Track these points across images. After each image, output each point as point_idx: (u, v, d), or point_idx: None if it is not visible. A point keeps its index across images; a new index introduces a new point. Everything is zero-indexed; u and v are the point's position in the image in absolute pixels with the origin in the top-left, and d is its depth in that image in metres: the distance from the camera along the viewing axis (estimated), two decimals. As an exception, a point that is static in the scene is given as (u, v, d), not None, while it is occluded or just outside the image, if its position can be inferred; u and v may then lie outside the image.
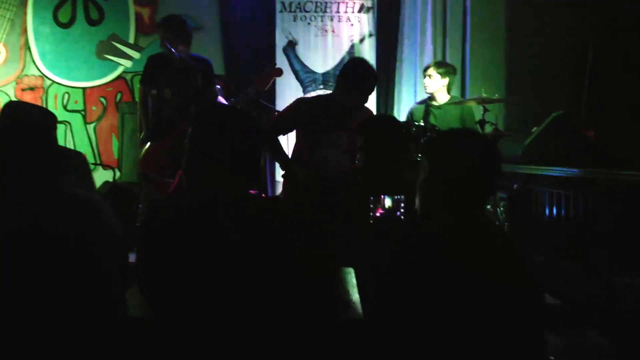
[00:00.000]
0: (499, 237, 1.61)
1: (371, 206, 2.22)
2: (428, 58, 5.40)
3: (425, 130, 3.85)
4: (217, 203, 1.59)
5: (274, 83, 5.57)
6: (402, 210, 2.19)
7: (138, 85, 4.44)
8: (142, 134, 4.19)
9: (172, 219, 1.65)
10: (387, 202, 2.20)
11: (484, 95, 4.34)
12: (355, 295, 1.97)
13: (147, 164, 3.95)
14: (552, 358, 2.29)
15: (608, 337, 2.64)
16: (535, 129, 4.83)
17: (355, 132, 3.15)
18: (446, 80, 4.59)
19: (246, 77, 5.21)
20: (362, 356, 1.62)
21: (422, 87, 4.75)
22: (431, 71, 4.59)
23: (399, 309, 1.53)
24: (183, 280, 1.59)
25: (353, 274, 2.28)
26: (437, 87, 4.58)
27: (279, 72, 3.89)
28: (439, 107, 4.58)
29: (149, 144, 4.01)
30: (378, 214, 2.19)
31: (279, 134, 3.72)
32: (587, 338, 2.70)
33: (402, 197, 2.19)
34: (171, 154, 3.86)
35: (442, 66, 4.64)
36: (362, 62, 3.61)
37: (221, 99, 4.13)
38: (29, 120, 1.75)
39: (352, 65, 3.55)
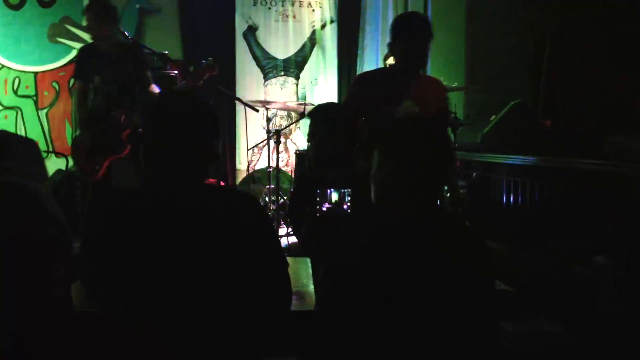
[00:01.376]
0: (452, 224, 1.60)
1: (317, 199, 2.19)
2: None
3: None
4: (171, 193, 1.56)
5: (233, 70, 5.48)
6: (348, 204, 2.17)
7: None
8: (78, 131, 3.95)
9: (118, 209, 1.60)
10: (334, 196, 2.17)
11: (444, 83, 4.35)
12: (310, 287, 1.94)
13: (76, 151, 3.80)
14: (505, 343, 2.32)
15: (564, 325, 2.68)
16: (493, 117, 4.88)
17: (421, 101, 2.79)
18: None
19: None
20: (315, 347, 1.60)
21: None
22: (392, 59, 4.57)
23: (350, 296, 1.52)
24: (130, 271, 1.54)
25: (309, 264, 2.26)
26: None
27: (214, 68, 3.69)
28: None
29: (80, 131, 3.83)
30: (325, 208, 2.17)
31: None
32: (542, 325, 2.74)
33: (348, 190, 2.17)
34: (98, 142, 3.72)
35: None
36: (410, 15, 3.11)
37: (154, 87, 3.94)
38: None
39: (399, 22, 3.00)
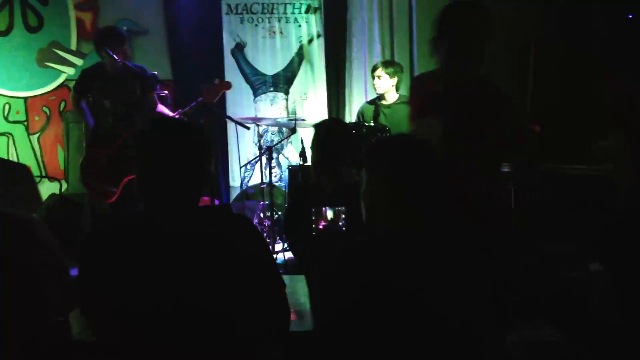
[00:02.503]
0: (444, 235, 1.62)
1: (313, 218, 2.21)
2: (376, 57, 5.42)
3: (376, 130, 3.87)
4: (166, 217, 1.58)
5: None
6: (343, 221, 2.19)
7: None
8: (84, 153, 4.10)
9: (116, 235, 1.61)
10: (329, 213, 2.19)
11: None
12: (306, 306, 1.95)
13: (89, 173, 3.87)
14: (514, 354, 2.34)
15: (561, 332, 2.70)
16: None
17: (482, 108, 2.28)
18: (395, 79, 4.61)
19: (194, 82, 5.13)
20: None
21: (372, 87, 4.77)
22: (380, 72, 4.60)
23: (346, 315, 1.53)
24: (124, 297, 1.55)
25: (304, 282, 2.27)
26: (387, 87, 4.60)
27: (228, 86, 3.89)
28: (389, 106, 4.60)
29: (88, 152, 3.94)
30: (321, 226, 2.18)
31: None
32: (541, 333, 2.75)
33: (343, 208, 2.19)
34: (113, 163, 3.79)
35: (390, 65, 4.66)
36: (462, 4, 2.45)
37: (161, 107, 4.06)
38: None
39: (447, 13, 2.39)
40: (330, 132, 2.78)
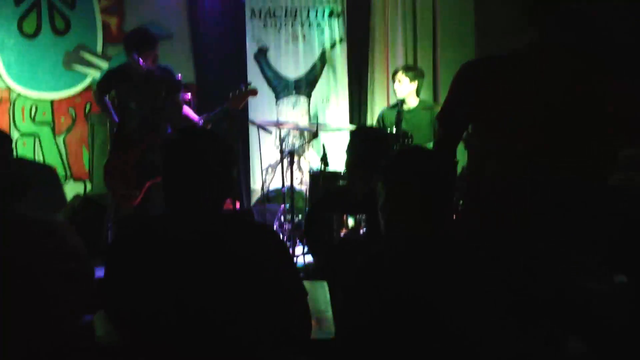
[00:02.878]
0: (461, 244, 1.63)
1: (335, 227, 2.22)
2: (399, 62, 5.41)
3: (397, 137, 3.86)
4: (191, 223, 1.61)
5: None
6: (364, 228, 2.19)
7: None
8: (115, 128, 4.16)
9: (141, 239, 1.64)
10: (350, 221, 2.20)
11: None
12: (328, 312, 1.96)
13: (113, 176, 3.91)
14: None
15: (585, 343, 2.66)
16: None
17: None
18: (415, 84, 4.61)
19: (217, 86, 5.18)
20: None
21: (394, 92, 4.76)
22: (400, 76, 4.61)
23: (368, 322, 1.54)
24: (151, 302, 1.57)
25: (326, 288, 2.27)
26: (407, 91, 4.60)
27: (254, 92, 3.92)
28: (409, 111, 4.60)
29: (112, 155, 3.98)
30: (342, 234, 2.19)
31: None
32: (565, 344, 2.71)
33: (364, 216, 2.19)
34: (136, 167, 3.82)
35: (410, 70, 4.67)
36: None
37: (187, 110, 4.09)
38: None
39: None
40: (366, 138, 2.81)
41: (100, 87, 4.19)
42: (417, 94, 4.69)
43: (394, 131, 4.31)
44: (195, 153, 1.62)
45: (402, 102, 4.64)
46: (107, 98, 4.16)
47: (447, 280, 1.52)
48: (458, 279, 1.53)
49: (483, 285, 1.54)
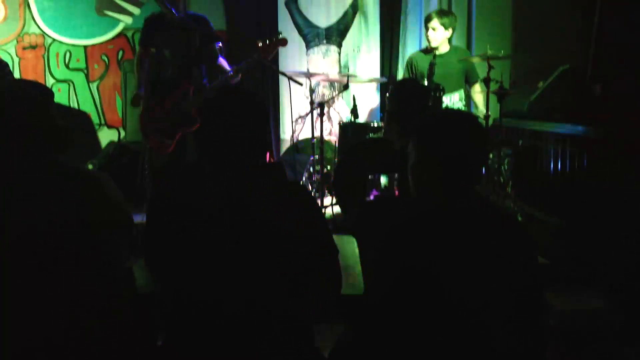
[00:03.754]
0: (489, 210, 1.64)
1: (367, 185, 2.24)
2: (433, 7, 5.27)
3: (429, 90, 3.81)
4: (226, 178, 1.65)
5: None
6: (397, 188, 2.20)
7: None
8: (134, 92, 4.15)
9: (180, 193, 1.69)
10: (383, 180, 2.21)
11: (490, 52, 4.27)
12: (355, 269, 2.00)
13: (147, 124, 3.96)
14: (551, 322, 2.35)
15: (608, 299, 2.68)
16: (541, 83, 4.78)
17: None
18: (449, 31, 4.52)
19: (248, 33, 5.14)
20: (364, 332, 1.67)
21: (426, 39, 4.66)
22: (434, 23, 4.49)
23: (394, 276, 1.58)
24: (189, 255, 1.64)
25: (355, 243, 2.31)
26: (441, 39, 4.51)
27: (284, 42, 3.85)
28: (441, 55, 4.52)
29: (147, 104, 4.00)
30: (374, 194, 2.21)
31: None
32: (584, 299, 2.74)
33: (397, 175, 2.20)
34: (171, 116, 3.86)
35: (445, 15, 4.54)
36: None
37: (221, 59, 4.07)
38: (22, 100, 1.74)
39: None
40: (411, 94, 2.79)
41: (142, 42, 4.16)
42: (450, 40, 4.59)
43: (425, 83, 4.27)
44: (234, 115, 1.65)
45: (435, 50, 4.54)
46: (147, 63, 4.04)
47: (470, 249, 1.54)
48: (481, 249, 1.54)
49: (507, 252, 1.55)
